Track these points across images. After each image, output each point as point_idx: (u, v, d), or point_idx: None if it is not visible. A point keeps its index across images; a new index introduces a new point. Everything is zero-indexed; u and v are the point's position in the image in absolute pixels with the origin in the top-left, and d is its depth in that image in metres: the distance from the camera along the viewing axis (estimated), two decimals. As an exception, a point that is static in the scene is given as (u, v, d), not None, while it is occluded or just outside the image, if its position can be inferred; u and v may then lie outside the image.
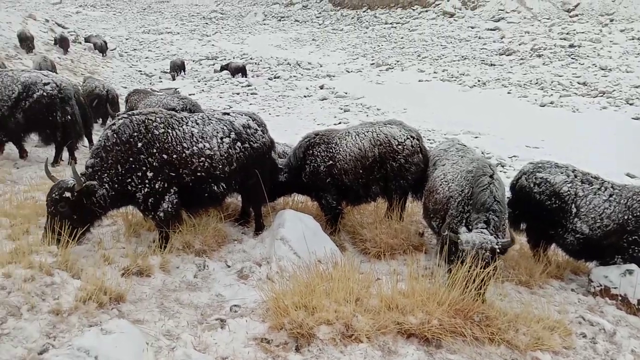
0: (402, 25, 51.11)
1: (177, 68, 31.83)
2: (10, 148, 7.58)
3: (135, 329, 3.24)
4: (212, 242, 4.88)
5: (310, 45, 45.65)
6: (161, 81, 30.75)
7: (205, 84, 29.97)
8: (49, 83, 6.70)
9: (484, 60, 34.26)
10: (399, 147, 5.69)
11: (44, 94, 6.62)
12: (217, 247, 4.90)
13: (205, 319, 3.63)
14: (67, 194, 4.13)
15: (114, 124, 4.40)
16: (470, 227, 4.10)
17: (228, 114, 5.04)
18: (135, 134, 4.30)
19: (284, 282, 3.89)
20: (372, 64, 35.81)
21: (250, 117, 5.15)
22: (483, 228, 4.00)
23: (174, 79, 31.12)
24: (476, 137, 18.66)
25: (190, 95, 26.25)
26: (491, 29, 43.84)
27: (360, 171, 5.71)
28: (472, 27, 45.57)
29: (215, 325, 3.50)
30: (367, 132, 5.82)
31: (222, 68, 32.79)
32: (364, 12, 59.44)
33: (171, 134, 4.42)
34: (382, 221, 5.58)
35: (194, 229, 4.86)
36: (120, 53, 38.04)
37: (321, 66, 35.95)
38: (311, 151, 5.87)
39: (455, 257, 3.90)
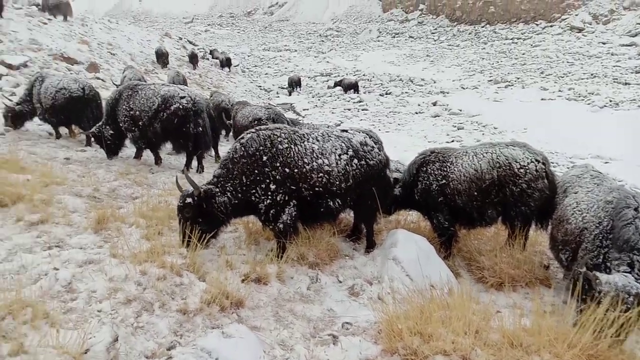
0: (523, 41, 48.61)
1: (294, 84, 33.21)
2: (147, 155, 8.39)
3: (253, 336, 3.37)
4: (325, 255, 4.94)
5: (424, 61, 45.09)
6: (278, 96, 32.26)
7: (319, 100, 30.87)
8: (184, 97, 7.32)
9: (617, 79, 31.28)
10: (521, 170, 5.33)
11: (180, 106, 7.26)
12: (329, 261, 4.96)
13: (317, 333, 3.67)
14: (189, 200, 4.45)
15: (242, 137, 4.68)
16: (609, 267, 3.69)
17: (346, 131, 5.11)
18: (262, 147, 4.53)
19: (396, 305, 3.81)
20: (490, 80, 34.38)
21: (368, 135, 5.18)
22: (626, 272, 3.57)
23: (290, 94, 32.48)
24: (606, 163, 17.02)
25: (304, 110, 27.22)
26: (626, 45, 40.01)
27: (475, 193, 5.45)
28: (604, 43, 41.98)
29: (328, 340, 3.52)
30: (486, 152, 5.55)
31: (336, 84, 33.58)
32: (482, 27, 57.48)
33: (294, 149, 4.58)
34: (503, 249, 5.26)
35: (308, 242, 4.96)
36: (242, 69, 40.62)
37: (435, 82, 35.31)
38: (425, 168, 5.76)
39: (589, 297, 3.52)
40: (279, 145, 4.57)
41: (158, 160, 8.05)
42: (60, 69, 17.20)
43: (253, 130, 4.73)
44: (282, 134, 4.66)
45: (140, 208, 5.30)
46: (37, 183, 5.53)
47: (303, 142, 4.68)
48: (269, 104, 27.04)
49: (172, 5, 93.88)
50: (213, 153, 9.35)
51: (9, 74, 14.69)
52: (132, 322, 3.29)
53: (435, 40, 55.80)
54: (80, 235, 4.53)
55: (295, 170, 4.55)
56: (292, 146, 4.61)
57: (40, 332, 2.89)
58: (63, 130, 9.84)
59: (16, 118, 9.55)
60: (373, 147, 5.08)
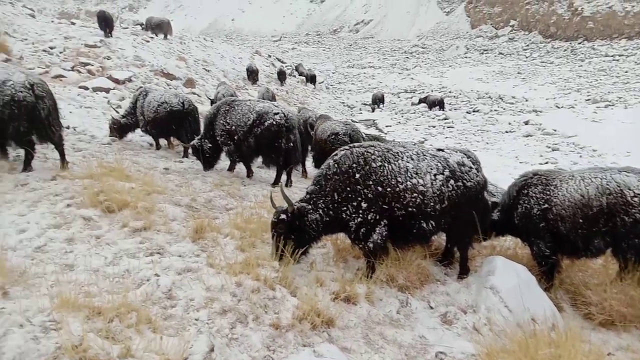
0: (626, 58, 45.18)
1: (377, 100, 33.16)
2: (239, 168, 8.69)
3: (344, 358, 3.29)
4: (415, 279, 4.77)
5: (515, 78, 43.24)
6: (361, 112, 32.35)
7: (402, 116, 30.54)
8: (278, 113, 7.52)
9: None
10: (635, 199, 4.84)
11: (274, 122, 7.46)
12: (419, 285, 4.78)
13: (410, 361, 3.53)
14: (283, 216, 4.49)
15: (336, 154, 4.67)
16: None
17: (442, 150, 4.94)
18: (355, 165, 4.49)
19: (495, 337, 3.57)
20: (588, 99, 32.17)
21: (465, 155, 4.97)
22: None
23: (373, 111, 32.46)
24: None
25: (386, 127, 27.03)
26: None
27: (580, 221, 5.01)
28: None
29: (422, 370, 3.36)
30: (595, 177, 5.09)
31: (420, 101, 33.08)
32: (579, 44, 54.27)
33: (387, 168, 4.49)
34: (613, 284, 4.79)
35: (398, 263, 4.82)
36: (327, 86, 41.31)
37: (526, 100, 33.68)
38: (526, 191, 5.40)
39: None
40: (372, 163, 4.50)
41: (250, 173, 8.31)
42: (161, 84, 18.44)
43: (347, 147, 4.71)
44: (376, 152, 4.59)
45: (234, 219, 5.44)
46: (140, 191, 5.86)
47: (397, 161, 4.58)
48: (351, 120, 27.19)
49: (261, 24, 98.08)
50: (300, 168, 9.51)
51: (115, 88, 15.98)
52: (227, 333, 3.35)
53: (527, 57, 53.43)
54: (179, 243, 4.72)
55: (388, 189, 4.45)
56: (386, 164, 4.52)
57: (143, 337, 3.01)
58: (162, 141, 10.47)
59: (121, 129, 10.33)
60: (471, 167, 4.86)
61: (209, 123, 8.09)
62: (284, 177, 8.17)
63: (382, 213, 4.48)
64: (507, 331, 3.71)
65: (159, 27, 26.71)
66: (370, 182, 4.45)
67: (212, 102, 16.13)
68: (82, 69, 17.30)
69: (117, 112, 10.84)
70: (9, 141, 6.86)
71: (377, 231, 4.50)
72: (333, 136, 8.25)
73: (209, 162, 8.33)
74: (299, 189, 7.99)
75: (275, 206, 4.63)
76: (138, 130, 10.55)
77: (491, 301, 4.30)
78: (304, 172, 9.80)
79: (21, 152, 7.01)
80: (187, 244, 4.71)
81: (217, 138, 8.01)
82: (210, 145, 8.12)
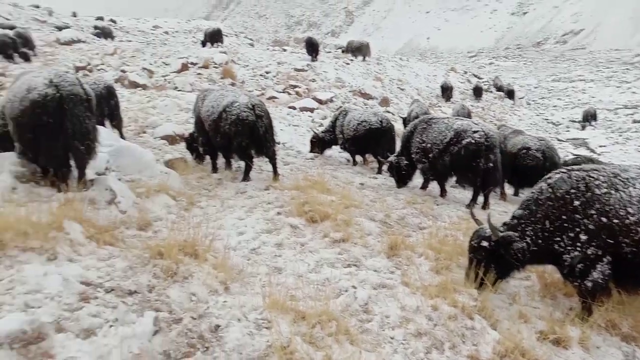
0: None
1: (589, 117, 29.48)
2: (432, 186, 8.54)
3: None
4: (644, 329, 4.01)
5: None
6: (568, 130, 29.19)
7: (620, 136, 26.58)
8: (477, 131, 7.19)
9: None
10: None
11: (472, 141, 7.15)
12: (650, 336, 4.00)
13: None
14: (485, 243, 4.20)
15: (549, 177, 4.22)
16: None
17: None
18: (573, 190, 3.99)
19: None
20: None
21: None
22: None
23: (583, 129, 28.99)
24: None
25: (600, 146, 23.86)
26: None
27: None
28: None
29: None
30: None
31: (646, 118, 28.41)
32: None
33: (615, 196, 3.88)
34: None
35: (622, 308, 4.12)
36: (527, 101, 38.37)
37: None
38: None
39: None
40: (596, 190, 3.93)
41: (443, 193, 8.10)
42: (358, 103, 19.35)
43: (564, 169, 4.22)
44: (600, 177, 4.00)
45: (428, 239, 5.33)
46: (339, 204, 6.16)
47: (627, 188, 3.92)
48: (556, 138, 24.66)
49: (457, 40, 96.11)
50: (499, 190, 8.91)
51: (319, 108, 17.29)
52: (422, 357, 3.24)
53: None
54: (375, 257, 4.79)
55: (615, 221, 3.83)
56: (613, 192, 3.90)
57: (343, 348, 3.09)
58: (358, 157, 10.92)
59: (320, 145, 11.10)
60: None
61: (405, 140, 8.15)
62: (480, 198, 7.75)
63: (606, 248, 3.87)
64: None
65: (358, 50, 28.17)
66: (593, 212, 3.89)
67: (405, 120, 16.30)
68: (291, 91, 19.18)
69: (317, 129, 11.72)
70: (233, 154, 7.92)
71: (598, 269, 3.90)
72: (524, 151, 7.62)
73: (402, 179, 8.38)
74: (497, 212, 7.49)
75: (477, 222, 4.38)
76: (336, 147, 11.21)
77: None
78: (503, 195, 9.16)
79: (241, 164, 8.02)
80: (382, 260, 4.75)
81: (412, 155, 8.01)
82: (406, 162, 8.16)
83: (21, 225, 3.59)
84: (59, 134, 5.14)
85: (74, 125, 5.20)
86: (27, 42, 22.89)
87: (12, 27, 29.30)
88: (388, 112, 19.08)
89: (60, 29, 35.96)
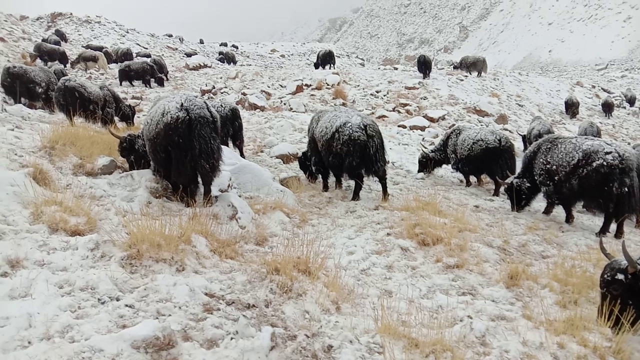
0: None
1: None
2: (557, 211, 7.89)
3: None
4: None
5: None
6: None
7: None
8: (610, 152, 6.53)
9: None
10: None
11: (604, 163, 6.50)
12: None
13: None
14: (620, 276, 3.75)
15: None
16: None
17: None
18: None
19: None
20: None
21: None
22: None
23: None
24: None
25: None
26: None
27: None
28: None
29: None
30: None
31: None
32: None
33: None
34: None
35: None
36: (669, 117, 34.12)
37: None
38: None
39: None
40: None
41: (570, 218, 7.43)
42: (472, 121, 18.64)
43: None
44: None
45: (553, 270, 4.91)
46: (452, 227, 5.93)
47: None
48: None
49: (583, 52, 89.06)
50: (634, 217, 7.96)
51: (430, 126, 16.96)
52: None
53: None
54: (492, 287, 4.53)
55: None
56: None
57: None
58: (472, 178, 10.46)
59: (429, 164, 10.82)
60: None
61: (528, 161, 7.65)
62: (612, 226, 6.98)
63: None
64: None
65: (473, 65, 27.26)
66: None
67: (524, 138, 15.35)
68: (401, 109, 19.07)
69: (425, 147, 11.47)
70: (344, 173, 8.04)
71: None
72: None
73: (522, 202, 7.86)
74: (633, 242, 6.71)
75: (607, 256, 3.96)
76: (447, 166, 10.87)
77: None
78: (638, 222, 8.15)
79: (351, 183, 8.10)
80: (501, 289, 4.47)
81: (535, 177, 7.48)
82: (528, 185, 7.65)
83: (155, 237, 3.95)
84: (188, 153, 5.61)
85: (201, 145, 5.64)
86: (162, 68, 25.51)
87: (148, 55, 32.95)
88: (506, 129, 18.09)
89: (189, 55, 39.66)
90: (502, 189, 8.76)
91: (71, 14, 48.38)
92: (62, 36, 34.93)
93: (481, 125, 18.07)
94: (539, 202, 8.18)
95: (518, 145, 14.23)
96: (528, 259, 5.48)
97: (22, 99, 12.31)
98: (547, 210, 7.87)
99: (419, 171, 10.97)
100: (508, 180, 8.09)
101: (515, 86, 27.61)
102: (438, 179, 10.83)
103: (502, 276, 4.69)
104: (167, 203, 5.80)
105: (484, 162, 9.43)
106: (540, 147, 7.46)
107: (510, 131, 18.10)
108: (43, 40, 29.37)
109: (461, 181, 10.70)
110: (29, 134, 6.82)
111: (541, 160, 7.31)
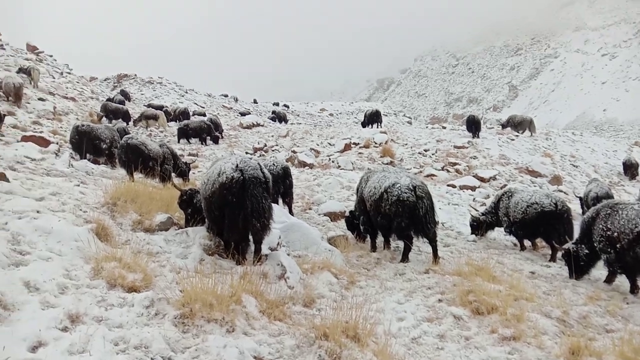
0: None
1: None
2: (620, 280, 7.43)
3: None
4: None
5: None
6: None
7: None
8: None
9: None
10: None
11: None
12: None
13: None
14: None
15: None
16: None
17: None
18: None
19: None
20: None
21: None
22: None
23: None
24: None
25: None
26: None
27: None
28: None
29: None
30: None
31: None
32: None
33: None
34: None
35: None
36: None
37: None
38: None
39: None
40: None
41: (635, 289, 6.94)
42: (525, 181, 18.19)
43: None
44: None
45: (620, 346, 4.57)
46: (507, 295, 5.68)
47: None
48: None
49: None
50: None
51: (481, 186, 16.66)
52: None
53: None
54: (553, 363, 4.26)
55: None
56: None
57: None
58: (527, 242, 10.08)
59: (481, 227, 10.53)
60: None
61: (586, 227, 7.32)
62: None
63: None
64: None
65: (520, 125, 26.93)
66: None
67: (581, 200, 14.77)
68: (450, 169, 18.92)
69: (476, 210, 11.20)
70: (392, 234, 7.97)
71: None
72: None
73: (581, 270, 7.46)
74: None
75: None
76: (500, 229, 10.54)
77: None
78: None
79: (400, 243, 7.99)
80: (564, 366, 4.20)
81: (595, 244, 7.13)
82: (587, 251, 7.29)
83: (207, 296, 4.01)
84: (241, 211, 5.76)
85: (253, 204, 5.80)
86: (217, 127, 26.68)
87: (203, 114, 34.66)
88: (560, 191, 17.50)
89: (243, 114, 41.45)
90: (559, 254, 8.38)
91: (135, 75, 52.13)
92: (126, 95, 37.51)
93: (534, 186, 17.59)
94: (600, 270, 7.74)
95: (574, 207, 13.69)
96: (590, 332, 5.13)
97: (87, 155, 13.15)
98: (609, 279, 7.41)
99: (471, 233, 10.70)
100: (566, 246, 7.73)
101: (569, 146, 26.91)
102: (491, 242, 10.51)
103: (562, 351, 4.41)
104: (219, 260, 5.91)
105: (539, 226, 9.10)
106: (600, 212, 7.14)
107: (565, 193, 17.48)
108: (108, 99, 31.60)
109: (515, 245, 10.32)
110: (92, 190, 7.24)
111: (601, 226, 6.98)
